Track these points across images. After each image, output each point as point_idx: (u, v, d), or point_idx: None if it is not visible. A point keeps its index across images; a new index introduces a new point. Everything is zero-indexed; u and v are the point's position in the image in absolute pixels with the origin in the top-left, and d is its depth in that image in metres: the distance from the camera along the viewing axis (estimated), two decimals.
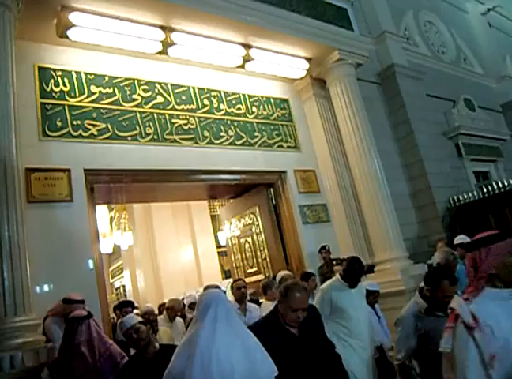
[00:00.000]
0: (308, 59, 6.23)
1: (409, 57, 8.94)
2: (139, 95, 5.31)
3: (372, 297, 4.26)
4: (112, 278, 13.00)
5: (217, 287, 5.31)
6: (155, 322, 4.32)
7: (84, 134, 4.80)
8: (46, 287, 4.08)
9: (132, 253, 10.87)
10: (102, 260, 5.06)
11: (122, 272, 12.00)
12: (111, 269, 13.03)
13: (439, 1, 11.50)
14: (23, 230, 3.59)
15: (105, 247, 9.67)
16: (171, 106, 5.50)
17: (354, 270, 3.55)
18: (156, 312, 6.39)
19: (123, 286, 11.97)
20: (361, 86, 6.74)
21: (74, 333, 2.96)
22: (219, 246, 10.75)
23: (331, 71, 6.35)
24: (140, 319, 2.96)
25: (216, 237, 10.88)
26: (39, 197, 4.34)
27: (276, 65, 6.06)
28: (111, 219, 10.17)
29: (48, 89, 4.73)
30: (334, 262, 5.72)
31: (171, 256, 10.36)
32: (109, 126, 4.97)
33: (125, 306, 4.74)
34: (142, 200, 7.09)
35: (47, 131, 4.59)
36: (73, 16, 4.48)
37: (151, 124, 5.28)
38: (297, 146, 6.55)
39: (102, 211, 9.64)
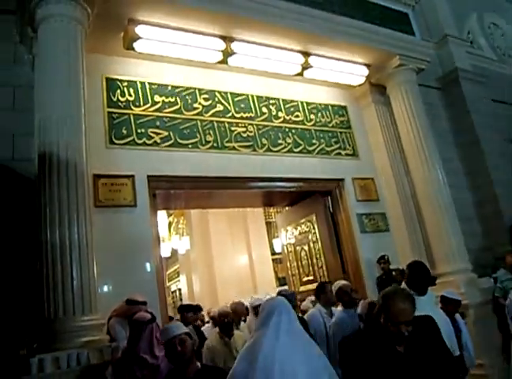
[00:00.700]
0: (368, 65, 6.14)
1: (473, 61, 8.57)
2: (200, 103, 5.44)
3: (452, 306, 4.05)
4: (169, 281, 13.33)
5: (292, 293, 5.30)
6: (230, 325, 4.22)
7: (147, 142, 4.98)
8: (110, 288, 4.26)
9: (188, 258, 11.11)
10: (162, 263, 5.19)
11: (178, 276, 12.29)
12: (167, 272, 13.36)
13: (505, 3, 10.98)
14: (91, 233, 3.76)
15: (163, 251, 9.94)
16: (230, 115, 5.60)
17: (420, 274, 3.38)
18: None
19: (179, 289, 12.25)
20: (422, 91, 6.57)
21: (138, 337, 3.07)
22: (273, 253, 10.77)
23: (391, 77, 6.23)
24: (186, 330, 2.71)
25: (271, 244, 10.91)
26: (105, 201, 4.54)
27: (334, 72, 6.02)
28: (170, 224, 10.45)
29: (115, 99, 4.96)
30: (394, 272, 5.57)
31: (226, 261, 10.49)
32: (171, 134, 5.13)
33: (186, 311, 4.79)
34: (200, 206, 7.24)
35: (114, 139, 4.81)
36: (139, 29, 4.67)
37: (211, 132, 5.39)
38: (355, 153, 6.45)
39: (161, 216, 9.93)
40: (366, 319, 3.40)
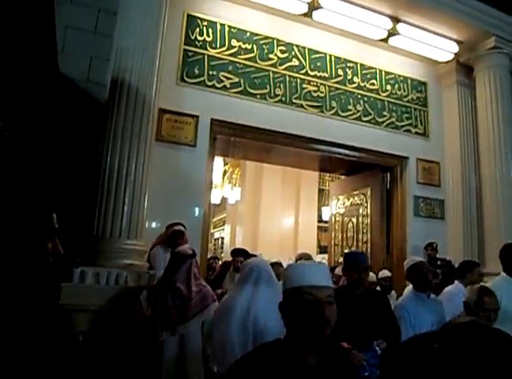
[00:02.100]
0: (459, 42, 5.71)
1: None
2: (275, 55, 5.32)
3: None
4: (214, 228, 13.64)
5: (309, 257, 5.32)
6: None
7: (217, 85, 4.96)
8: (157, 220, 4.38)
9: (236, 209, 11.24)
10: (211, 209, 5.26)
11: (223, 225, 12.52)
12: (214, 220, 13.65)
13: None
14: (148, 164, 3.87)
15: (214, 198, 10.12)
16: (304, 71, 5.44)
17: None
18: None
19: (222, 238, 12.51)
20: None
21: (176, 269, 3.18)
22: (320, 221, 10.70)
23: (482, 59, 5.78)
24: None
25: (319, 211, 10.83)
26: (167, 137, 4.62)
27: (422, 44, 5.65)
28: (225, 172, 10.56)
29: (193, 37, 4.94)
30: (439, 262, 5.38)
31: (272, 220, 10.54)
32: (242, 81, 5.08)
33: (237, 255, 4.84)
34: (257, 158, 7.22)
35: (185, 77, 4.83)
36: None
37: (281, 85, 5.28)
38: (426, 133, 6.14)
39: (218, 162, 10.05)
40: (474, 308, 2.79)
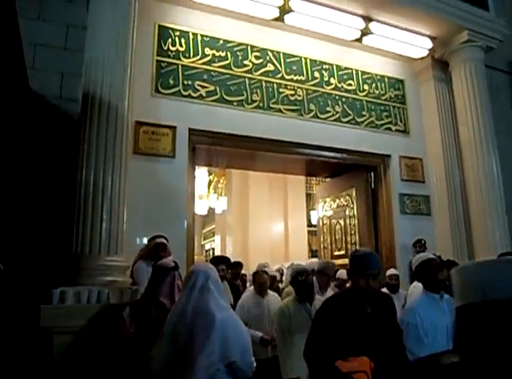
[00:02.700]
0: (432, 38, 5.73)
1: None
2: (250, 61, 5.29)
3: None
4: (204, 240, 13.55)
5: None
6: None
7: (193, 94, 4.92)
8: (139, 235, 4.29)
9: (225, 219, 11.17)
10: (194, 220, 5.17)
11: (213, 236, 12.44)
12: (204, 231, 13.57)
13: None
14: (125, 178, 3.81)
15: (200, 209, 10.05)
16: (280, 76, 5.42)
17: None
18: None
19: (213, 249, 12.42)
20: (488, 74, 6.11)
21: (159, 283, 3.10)
22: (310, 225, 10.66)
23: (456, 53, 5.80)
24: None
25: (308, 215, 10.80)
26: (145, 149, 4.56)
27: (396, 42, 5.67)
28: (210, 182, 10.49)
29: (165, 48, 4.90)
30: None
31: (261, 227, 10.47)
32: (217, 89, 5.04)
33: (218, 263, 4.40)
34: (240, 166, 7.17)
35: (160, 88, 4.78)
36: None
37: (258, 91, 5.25)
38: (406, 130, 6.13)
39: (201, 173, 9.98)
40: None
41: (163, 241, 3.84)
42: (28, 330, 3.11)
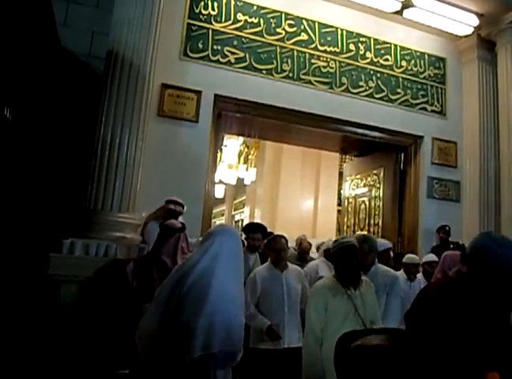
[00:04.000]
0: (479, 15, 5.37)
1: None
2: (283, 29, 5.16)
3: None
4: (234, 210, 13.63)
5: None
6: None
7: (221, 60, 4.87)
8: (156, 195, 4.31)
9: (255, 192, 11.16)
10: (214, 188, 5.19)
11: (243, 207, 12.49)
12: (235, 202, 13.63)
13: None
14: (142, 138, 3.84)
15: (229, 178, 10.08)
16: (313, 46, 5.27)
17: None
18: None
19: (242, 220, 12.49)
20: None
21: (163, 242, 3.17)
22: (340, 204, 10.50)
23: (504, 33, 5.44)
24: None
25: (339, 194, 10.62)
26: (169, 112, 4.58)
27: (439, 17, 5.35)
28: (240, 152, 10.47)
29: (197, 11, 4.85)
30: (451, 245, 5.16)
31: (291, 202, 10.39)
32: (247, 56, 4.96)
33: (253, 232, 4.01)
34: (270, 138, 7.12)
35: (188, 51, 4.75)
36: None
37: (289, 61, 5.14)
38: (443, 112, 5.86)
39: (233, 143, 9.96)
40: None
41: (179, 209, 3.77)
42: (37, 277, 3.24)
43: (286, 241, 3.37)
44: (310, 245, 5.48)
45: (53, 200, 3.66)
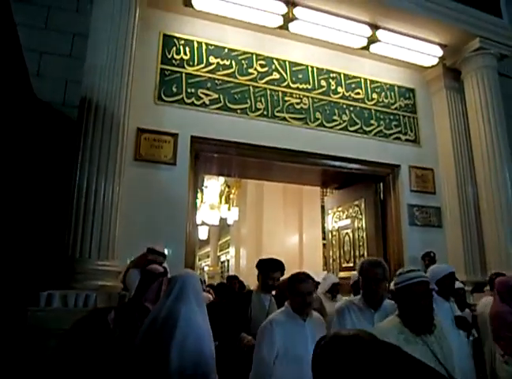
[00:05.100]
0: (443, 46, 5.59)
1: None
2: (255, 69, 5.27)
3: None
4: (220, 251, 13.52)
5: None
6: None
7: (196, 102, 4.92)
8: (136, 240, 4.22)
9: (239, 231, 11.12)
10: (196, 229, 5.15)
11: (228, 247, 12.39)
12: (220, 242, 13.55)
13: None
14: (119, 185, 3.80)
15: (211, 218, 10.04)
16: (285, 84, 5.38)
17: None
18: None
19: (228, 260, 12.37)
20: (502, 82, 5.90)
21: (146, 287, 3.08)
22: (324, 238, 10.48)
23: (468, 61, 5.64)
24: None
25: (323, 228, 10.62)
26: (145, 156, 4.57)
27: (404, 50, 5.55)
28: (221, 192, 10.49)
29: (169, 56, 4.94)
30: None
31: (276, 239, 10.35)
32: (221, 97, 5.03)
33: (272, 270, 3.57)
34: (250, 176, 7.15)
35: (163, 95, 4.80)
36: None
37: (263, 99, 5.22)
38: (417, 140, 5.98)
39: (213, 183, 9.99)
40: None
41: (159, 259, 3.65)
42: (17, 331, 3.11)
43: (313, 281, 2.69)
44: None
45: (30, 250, 3.56)
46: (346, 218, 6.45)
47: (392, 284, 2.61)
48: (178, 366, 1.99)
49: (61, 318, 3.12)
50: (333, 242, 6.73)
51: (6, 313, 3.20)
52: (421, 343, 2.05)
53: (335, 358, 0.94)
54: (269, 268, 3.54)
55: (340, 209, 6.60)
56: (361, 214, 6.13)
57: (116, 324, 3.03)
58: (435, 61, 5.79)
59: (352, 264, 6.17)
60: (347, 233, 6.41)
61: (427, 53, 5.64)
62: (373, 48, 5.45)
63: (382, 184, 5.92)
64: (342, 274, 6.38)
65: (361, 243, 6.07)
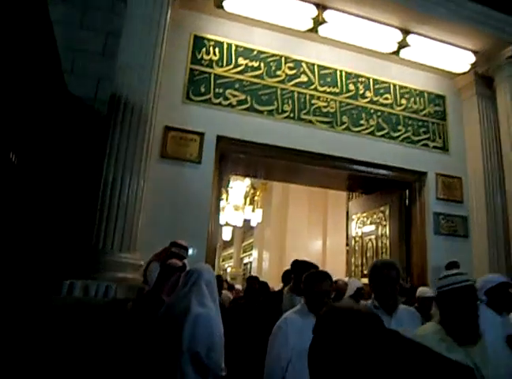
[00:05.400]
0: (475, 52, 5.49)
1: None
2: (283, 71, 5.30)
3: None
4: (243, 253, 13.56)
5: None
6: None
7: (223, 103, 4.98)
8: (159, 236, 4.29)
9: (263, 234, 11.13)
10: (219, 229, 5.20)
11: (252, 250, 12.42)
12: (243, 244, 13.59)
13: None
14: (144, 180, 3.88)
15: (235, 219, 10.09)
16: (313, 87, 5.38)
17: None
18: None
19: (250, 262, 12.40)
20: None
21: (164, 280, 3.14)
22: (348, 244, 10.39)
23: (501, 68, 5.52)
24: None
25: (347, 233, 10.53)
26: (172, 153, 4.64)
27: (435, 56, 5.48)
28: (246, 194, 10.53)
29: (199, 56, 5.02)
30: None
31: (299, 244, 10.30)
32: (248, 98, 5.08)
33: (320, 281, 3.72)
34: (276, 178, 7.22)
35: (191, 95, 4.88)
36: None
37: (289, 102, 5.24)
38: (445, 148, 5.88)
39: (239, 185, 10.03)
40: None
41: (182, 252, 3.73)
42: (38, 320, 3.20)
43: (331, 281, 2.59)
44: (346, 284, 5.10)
45: (56, 240, 3.67)
46: (370, 224, 6.38)
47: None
48: (189, 345, 2.31)
49: (81, 307, 3.22)
50: (356, 248, 6.67)
51: (30, 300, 3.31)
52: (464, 353, 1.82)
53: (332, 328, 0.96)
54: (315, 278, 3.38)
55: (364, 215, 6.54)
56: (385, 220, 6.06)
57: (133, 315, 3.11)
58: (467, 67, 5.68)
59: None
60: (370, 239, 6.34)
61: (459, 59, 5.55)
62: (403, 53, 5.40)
63: (407, 191, 5.84)
64: (364, 280, 6.31)
65: (384, 250, 5.99)
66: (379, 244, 6.10)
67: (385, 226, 6.06)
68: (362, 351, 0.92)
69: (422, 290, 4.29)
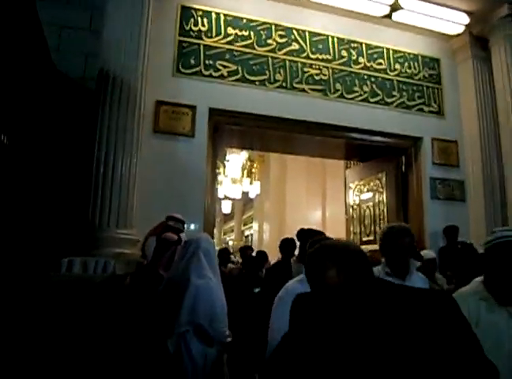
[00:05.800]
0: (469, 13, 5.36)
1: None
2: (274, 40, 5.20)
3: None
4: (244, 225, 13.64)
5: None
6: None
7: (214, 74, 4.91)
8: (155, 211, 4.28)
9: (262, 206, 11.17)
10: (217, 203, 5.20)
11: (252, 222, 12.48)
12: (243, 217, 13.66)
13: None
14: (137, 156, 3.88)
15: (233, 192, 10.11)
16: (305, 55, 5.29)
17: None
18: None
19: (251, 235, 12.48)
20: None
21: (161, 254, 3.17)
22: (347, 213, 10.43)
23: (496, 29, 5.40)
24: None
25: (346, 202, 10.56)
26: (164, 128, 4.61)
27: (428, 18, 5.36)
28: (243, 166, 10.51)
29: (187, 28, 4.92)
30: (459, 245, 5.08)
31: (298, 215, 10.34)
32: (239, 69, 5.00)
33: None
34: (272, 149, 7.16)
35: (181, 68, 4.81)
36: None
37: (281, 71, 5.16)
38: (441, 112, 5.82)
39: (236, 158, 10.01)
40: None
41: (178, 226, 3.76)
42: (38, 297, 3.24)
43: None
44: None
45: (53, 219, 3.68)
46: (367, 191, 6.39)
47: None
48: (191, 318, 2.30)
49: (80, 283, 3.25)
50: (354, 216, 6.69)
51: (31, 279, 3.34)
52: (506, 314, 1.70)
53: (323, 262, 1.03)
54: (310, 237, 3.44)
55: (361, 183, 6.53)
56: (382, 187, 6.06)
57: (131, 289, 3.15)
58: (461, 29, 5.57)
59: (372, 238, 6.14)
60: (367, 207, 6.36)
61: (453, 20, 5.43)
62: (395, 16, 5.29)
63: (403, 157, 5.82)
64: (363, 247, 6.36)
65: (382, 217, 6.01)
66: (377, 211, 6.12)
67: (382, 193, 6.06)
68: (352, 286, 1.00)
69: (424, 253, 4.28)
